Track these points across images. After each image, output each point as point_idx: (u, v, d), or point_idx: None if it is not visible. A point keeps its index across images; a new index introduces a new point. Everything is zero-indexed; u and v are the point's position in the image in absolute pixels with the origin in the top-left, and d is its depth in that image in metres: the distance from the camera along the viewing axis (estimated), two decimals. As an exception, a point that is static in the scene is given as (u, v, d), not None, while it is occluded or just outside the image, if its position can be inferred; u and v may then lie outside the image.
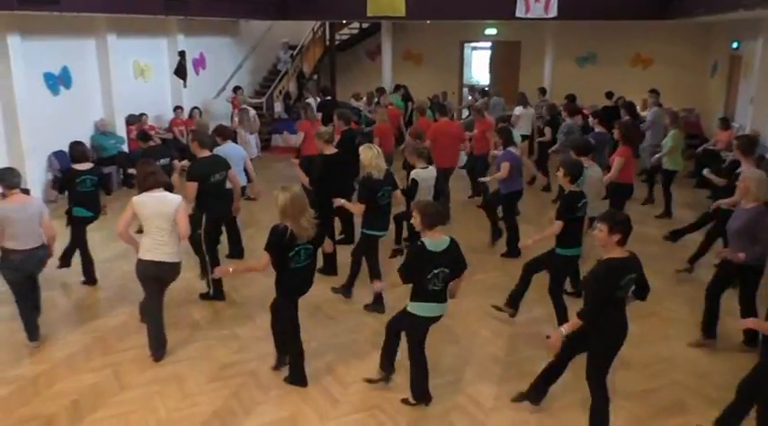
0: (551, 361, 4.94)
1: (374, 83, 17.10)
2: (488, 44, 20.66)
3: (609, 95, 14.38)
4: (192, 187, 6.63)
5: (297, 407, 5.15)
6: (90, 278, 7.63)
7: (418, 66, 19.19)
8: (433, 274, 4.71)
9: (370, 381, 5.40)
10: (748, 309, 5.92)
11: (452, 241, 4.85)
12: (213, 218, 6.92)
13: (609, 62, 17.23)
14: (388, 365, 5.31)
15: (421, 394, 5.10)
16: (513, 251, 8.39)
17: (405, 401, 5.16)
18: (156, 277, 5.65)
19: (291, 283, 5.15)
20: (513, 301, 6.51)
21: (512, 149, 8.39)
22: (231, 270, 5.70)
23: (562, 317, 5.97)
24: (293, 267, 5.03)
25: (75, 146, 7.29)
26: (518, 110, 12.66)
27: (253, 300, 7.10)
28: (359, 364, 5.78)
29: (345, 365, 5.77)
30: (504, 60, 19.25)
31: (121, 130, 12.68)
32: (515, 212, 8.83)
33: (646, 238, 8.93)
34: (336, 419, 5.01)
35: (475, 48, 22.42)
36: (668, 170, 9.97)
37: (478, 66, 23.11)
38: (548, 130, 11.75)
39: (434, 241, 4.75)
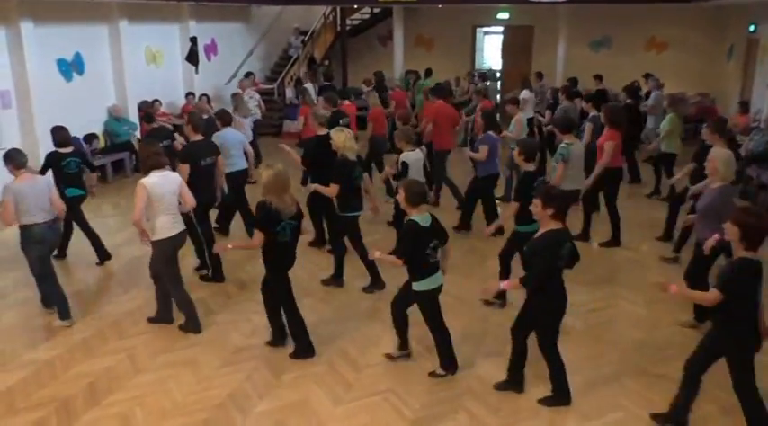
0: (513, 349, 5.05)
1: (385, 68, 17.02)
2: (501, 29, 20.48)
3: (598, 78, 14.18)
4: (185, 169, 6.78)
5: (310, 390, 5.18)
6: (103, 253, 7.82)
7: (430, 52, 19.06)
8: (430, 248, 4.97)
9: (390, 357, 5.58)
10: (696, 283, 5.88)
11: (433, 217, 5.10)
12: (202, 202, 6.80)
13: (623, 46, 17.03)
14: (404, 343, 5.56)
15: (450, 360, 5.31)
16: (466, 224, 8.82)
17: (432, 374, 5.31)
18: (175, 250, 5.97)
19: (280, 257, 5.41)
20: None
21: (491, 133, 8.45)
22: (230, 246, 5.85)
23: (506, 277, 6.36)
24: (280, 241, 5.27)
25: (59, 131, 7.46)
26: (524, 93, 12.53)
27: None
28: (372, 348, 5.80)
29: (359, 349, 5.80)
30: (517, 45, 19.08)
31: (134, 116, 12.72)
32: (492, 195, 8.81)
33: (656, 223, 8.85)
34: (349, 402, 5.03)
35: (487, 33, 22.22)
36: (667, 153, 9.95)
37: (491, 50, 22.92)
38: (548, 114, 11.75)
39: (422, 217, 4.98)
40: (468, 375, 5.34)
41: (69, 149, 7.48)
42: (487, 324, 6.25)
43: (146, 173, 5.76)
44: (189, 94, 13.71)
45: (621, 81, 14.26)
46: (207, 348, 5.86)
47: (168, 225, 5.78)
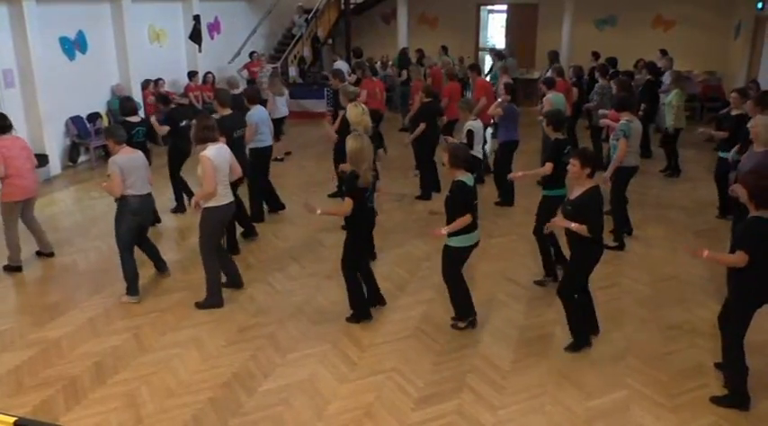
0: (573, 311, 5.37)
1: (390, 46, 16.88)
2: (505, 7, 20.29)
3: (595, 56, 14.11)
4: (222, 141, 6.78)
5: (315, 369, 5.20)
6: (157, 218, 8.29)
7: (434, 30, 18.89)
8: (474, 206, 5.37)
9: (456, 327, 5.78)
10: None
11: (475, 178, 5.56)
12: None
13: (629, 24, 16.84)
14: (466, 309, 5.78)
15: (467, 311, 5.74)
16: (508, 200, 9.14)
17: (455, 325, 5.74)
18: (225, 218, 6.29)
19: (368, 221, 5.82)
20: (549, 269, 6.68)
21: (513, 104, 9.24)
22: (319, 212, 5.69)
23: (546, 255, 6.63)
24: (369, 206, 5.70)
25: (127, 101, 7.95)
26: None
27: (269, 264, 7.18)
28: (377, 327, 5.82)
29: (363, 328, 5.81)
30: (521, 23, 18.87)
31: (138, 95, 12.65)
32: (510, 162, 9.17)
33: (667, 203, 8.81)
34: (354, 381, 5.06)
35: (491, 12, 22.03)
36: (676, 128, 10.33)
37: (495, 29, 22.75)
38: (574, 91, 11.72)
39: (468, 178, 5.36)
40: (473, 353, 5.36)
41: (137, 119, 7.89)
42: (494, 303, 6.26)
43: (197, 145, 6.05)
44: (192, 73, 13.65)
45: (628, 59, 14.17)
46: (212, 327, 5.88)
47: (223, 193, 6.04)
